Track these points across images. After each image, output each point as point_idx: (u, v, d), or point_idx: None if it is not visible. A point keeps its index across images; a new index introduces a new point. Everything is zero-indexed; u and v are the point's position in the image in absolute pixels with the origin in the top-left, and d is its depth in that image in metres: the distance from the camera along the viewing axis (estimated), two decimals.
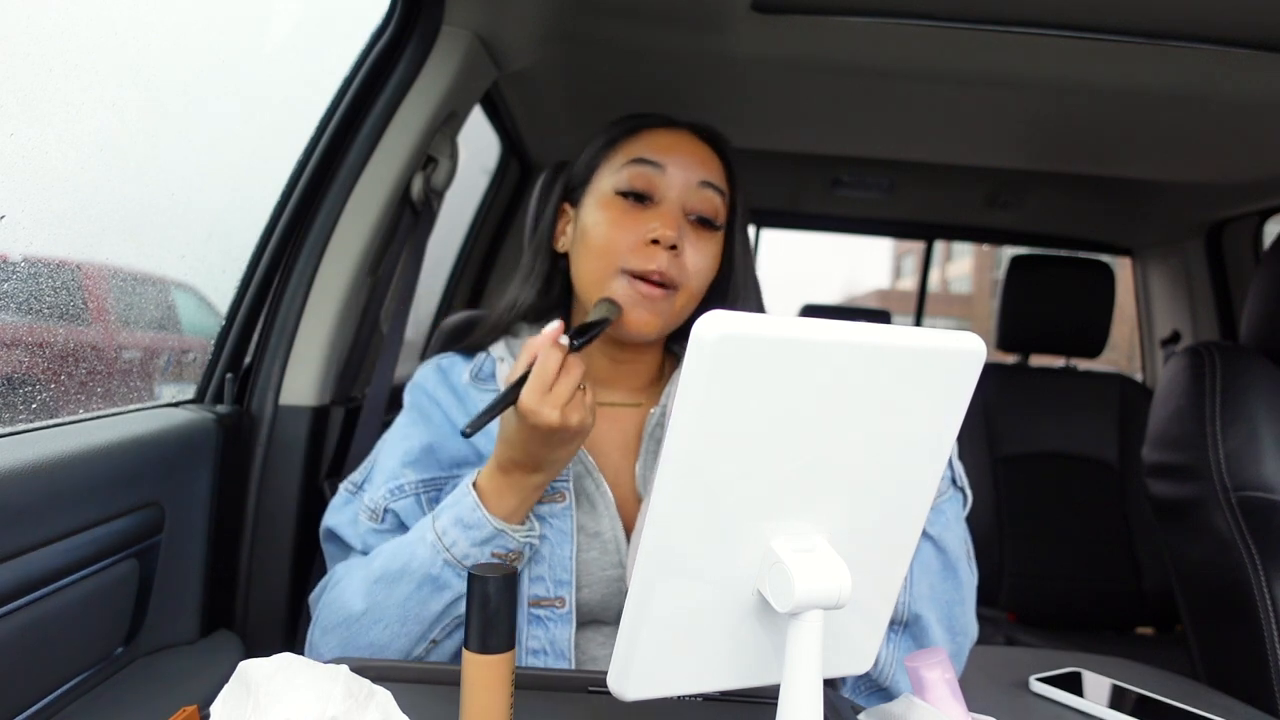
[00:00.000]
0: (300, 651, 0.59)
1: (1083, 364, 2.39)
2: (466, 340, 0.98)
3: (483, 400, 0.90)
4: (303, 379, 1.19)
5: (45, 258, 0.89)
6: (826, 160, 2.24)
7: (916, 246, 3.06)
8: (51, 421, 0.87)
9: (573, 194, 0.95)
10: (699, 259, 0.87)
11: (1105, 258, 2.57)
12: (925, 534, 0.82)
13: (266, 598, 1.16)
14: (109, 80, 0.95)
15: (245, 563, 1.15)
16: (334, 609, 0.79)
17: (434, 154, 1.30)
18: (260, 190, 1.20)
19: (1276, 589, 1.08)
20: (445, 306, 2.18)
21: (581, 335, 0.77)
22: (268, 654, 0.52)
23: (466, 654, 0.54)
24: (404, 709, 0.52)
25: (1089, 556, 2.17)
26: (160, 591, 0.95)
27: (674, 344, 1.00)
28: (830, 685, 0.77)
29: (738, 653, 0.53)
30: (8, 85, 0.81)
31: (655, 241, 0.84)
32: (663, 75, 1.54)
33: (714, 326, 0.44)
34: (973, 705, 0.62)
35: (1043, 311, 2.29)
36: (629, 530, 0.86)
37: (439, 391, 0.92)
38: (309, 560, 1.19)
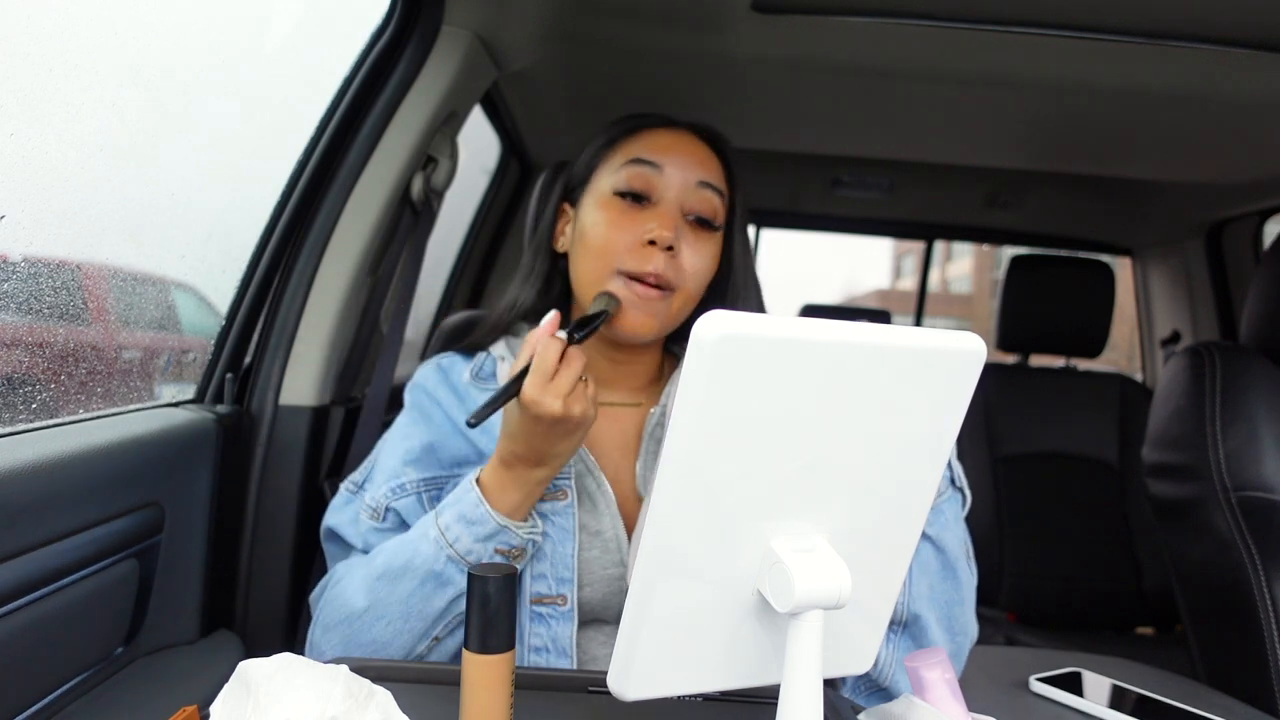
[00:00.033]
0: (300, 651, 0.59)
1: (1083, 364, 2.39)
2: (467, 340, 0.98)
3: (484, 399, 0.90)
4: (303, 379, 1.19)
5: (45, 258, 0.89)
6: (826, 160, 2.24)
7: (916, 246, 3.06)
8: (51, 421, 0.87)
9: (572, 194, 0.95)
10: (696, 260, 0.87)
11: (1105, 258, 2.57)
12: (924, 534, 0.82)
13: (266, 598, 1.16)
14: (109, 80, 0.95)
15: (245, 563, 1.15)
16: (336, 606, 0.79)
17: (434, 154, 1.30)
18: (260, 190, 1.20)
19: (1276, 589, 1.08)
20: (445, 306, 2.18)
21: (582, 328, 0.77)
22: (268, 654, 0.52)
23: (466, 654, 0.54)
24: (404, 709, 0.52)
25: (1089, 556, 2.17)
26: (160, 591, 0.95)
27: (673, 344, 1.00)
28: (830, 685, 0.77)
29: (738, 653, 0.53)
30: (8, 85, 0.81)
31: (652, 243, 0.84)
32: (663, 75, 1.54)
33: (714, 326, 0.44)
34: (973, 705, 0.62)
35: (1043, 311, 2.29)
36: (630, 529, 0.86)
37: (439, 391, 0.92)
38: (309, 560, 1.19)
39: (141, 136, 1.04)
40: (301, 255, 1.20)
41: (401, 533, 0.83)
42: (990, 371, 2.14)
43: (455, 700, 0.55)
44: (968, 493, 0.88)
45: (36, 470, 0.74)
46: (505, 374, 0.91)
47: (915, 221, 2.84)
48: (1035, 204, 2.45)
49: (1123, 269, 2.60)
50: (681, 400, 0.45)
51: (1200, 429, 1.17)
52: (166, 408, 1.06)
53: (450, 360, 0.95)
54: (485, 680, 0.53)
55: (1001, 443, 2.24)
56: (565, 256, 0.94)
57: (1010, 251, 2.61)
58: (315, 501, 1.18)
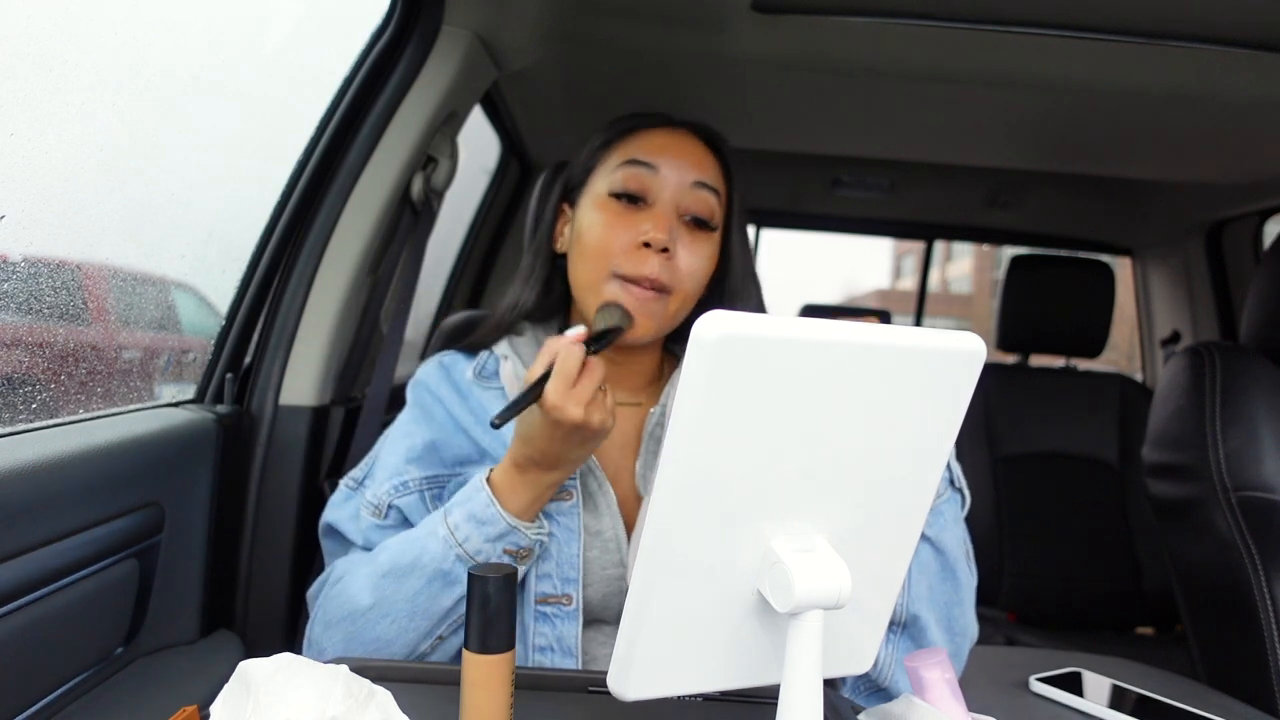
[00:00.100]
0: (300, 651, 0.59)
1: (1083, 364, 2.39)
2: (468, 339, 0.98)
3: (486, 397, 0.90)
4: (303, 379, 1.19)
5: (45, 258, 0.89)
6: (826, 160, 2.24)
7: (916, 246, 3.06)
8: (51, 421, 0.87)
9: (571, 195, 0.95)
10: (693, 260, 0.87)
11: (1105, 258, 2.57)
12: (924, 535, 0.82)
13: (266, 598, 1.16)
14: (109, 80, 0.95)
15: (245, 563, 1.15)
16: (338, 603, 0.79)
17: (434, 154, 1.30)
18: (260, 190, 1.20)
19: (1276, 589, 1.08)
20: (445, 306, 2.18)
21: (595, 342, 0.77)
22: (268, 654, 0.52)
23: (466, 654, 0.54)
24: (404, 709, 0.52)
25: (1089, 556, 2.17)
26: (160, 591, 0.95)
27: (673, 344, 1.00)
28: (830, 685, 0.77)
29: (738, 653, 0.53)
30: (8, 85, 0.81)
31: (647, 245, 0.84)
32: (663, 75, 1.54)
33: (714, 326, 0.44)
34: (973, 705, 0.62)
35: (1043, 311, 2.29)
36: (629, 529, 0.86)
37: (442, 389, 0.92)
38: (309, 560, 1.19)
39: (141, 136, 1.04)
40: (301, 255, 1.20)
41: (402, 530, 0.83)
42: (990, 371, 2.15)
43: (455, 700, 0.55)
44: (967, 493, 0.88)
45: (36, 470, 0.74)
46: (508, 373, 0.91)
47: (915, 221, 2.84)
48: (1035, 204, 2.44)
49: (1123, 269, 2.60)
50: (681, 400, 0.45)
51: (1200, 429, 1.17)
52: (166, 408, 1.06)
53: (452, 359, 0.95)
54: (485, 680, 0.53)
55: (1001, 443, 2.24)
56: (565, 257, 0.94)
57: (1010, 251, 2.61)
58: (315, 501, 1.18)
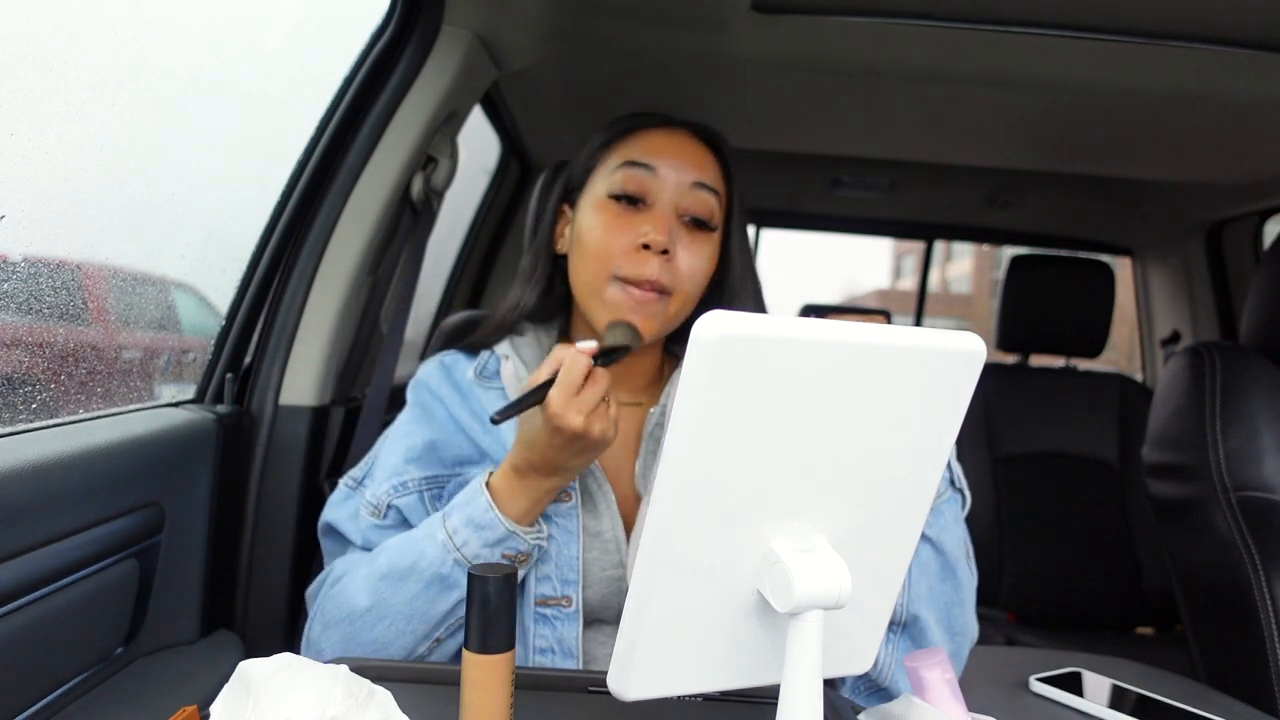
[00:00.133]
0: (300, 651, 0.59)
1: (1083, 364, 2.39)
2: (469, 339, 0.98)
3: (487, 397, 0.90)
4: (303, 379, 1.19)
5: (45, 258, 0.89)
6: (826, 160, 2.24)
7: (916, 246, 3.06)
8: (51, 421, 0.87)
9: (571, 195, 0.95)
10: (693, 261, 0.87)
11: (1105, 258, 2.57)
12: (924, 535, 0.82)
13: (266, 598, 1.16)
14: (109, 80, 0.95)
15: (245, 563, 1.15)
16: (337, 604, 0.79)
17: (434, 154, 1.30)
18: (260, 190, 1.20)
19: (1276, 589, 1.08)
20: (445, 306, 2.18)
21: (602, 357, 0.77)
22: (268, 654, 0.52)
23: (466, 654, 0.54)
24: (404, 709, 0.52)
25: (1089, 556, 2.17)
26: (160, 591, 0.95)
27: (674, 344, 1.00)
28: (830, 685, 0.77)
29: (738, 653, 0.53)
30: (8, 85, 0.81)
31: (646, 247, 0.84)
32: (663, 75, 1.54)
33: (714, 326, 0.44)
34: (973, 705, 0.62)
35: (1043, 311, 2.29)
36: (629, 529, 0.86)
37: (443, 389, 0.92)
38: (309, 560, 1.19)
39: (141, 136, 1.04)
40: (301, 255, 1.20)
41: (401, 530, 0.83)
42: (990, 371, 2.14)
43: (455, 700, 0.55)
44: (967, 493, 0.88)
45: (36, 470, 0.74)
46: (509, 372, 0.91)
47: (915, 221, 2.84)
48: (1035, 204, 2.44)
49: (1123, 269, 2.60)
50: (681, 400, 0.45)
51: (1200, 429, 1.17)
52: (166, 408, 1.06)
53: (453, 358, 0.95)
54: (485, 680, 0.53)
55: (1001, 443, 2.24)
56: (566, 258, 0.94)
57: (1010, 251, 2.61)
58: (315, 501, 1.18)
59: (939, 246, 3.38)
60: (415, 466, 0.86)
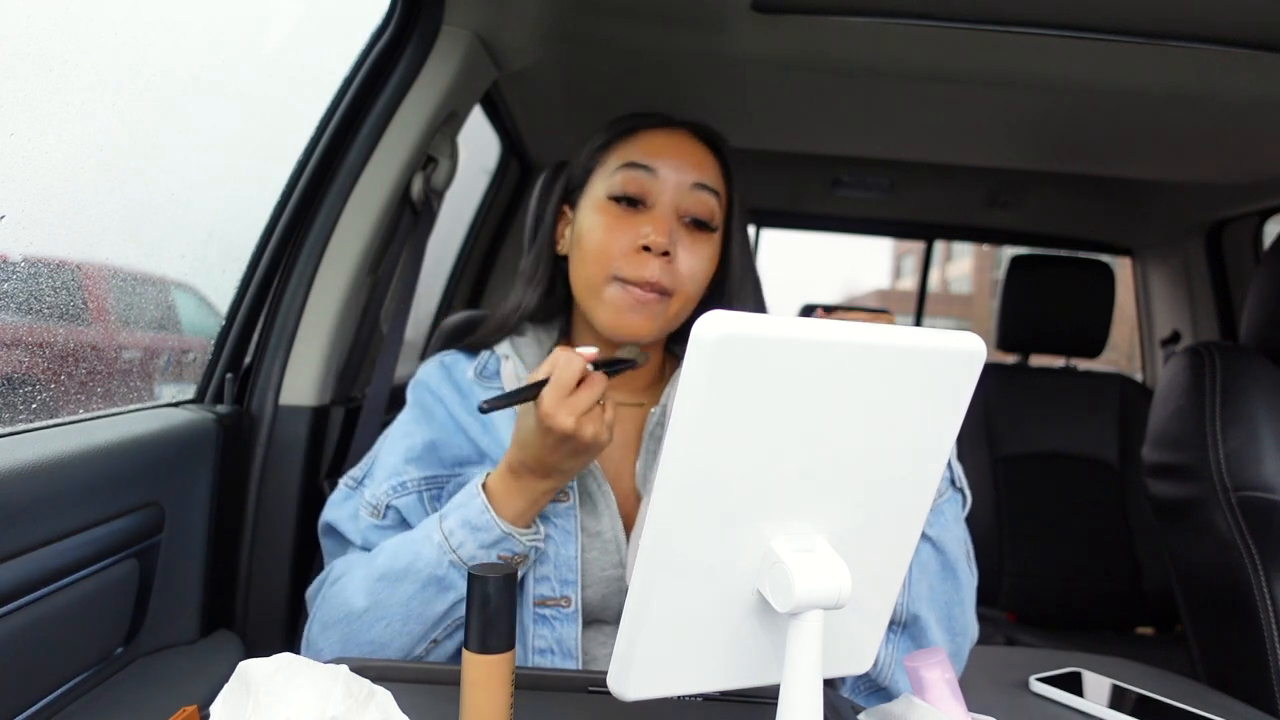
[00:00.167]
0: (300, 651, 0.59)
1: (1083, 364, 2.39)
2: (469, 339, 0.98)
3: (488, 396, 0.90)
4: (303, 379, 1.19)
5: (45, 258, 0.89)
6: (826, 160, 2.24)
7: (916, 246, 3.06)
8: (51, 421, 0.87)
9: (571, 196, 0.95)
10: (693, 262, 0.87)
11: (1105, 258, 2.57)
12: (924, 535, 0.82)
13: (266, 598, 1.16)
14: (109, 80, 0.95)
15: (245, 563, 1.15)
16: (335, 605, 0.79)
17: (434, 154, 1.30)
18: (260, 190, 1.20)
19: (1276, 589, 1.08)
20: (445, 306, 2.18)
21: (603, 366, 0.78)
22: (268, 654, 0.52)
23: (466, 654, 0.54)
24: (404, 709, 0.52)
25: (1089, 556, 2.17)
26: (160, 591, 0.95)
27: (675, 344, 1.00)
28: (830, 685, 0.77)
29: (738, 653, 0.53)
30: (8, 85, 0.81)
31: (647, 248, 0.84)
32: (663, 75, 1.54)
33: (714, 326, 0.44)
34: (973, 705, 0.62)
35: (1043, 311, 2.29)
36: (629, 529, 0.86)
37: (443, 388, 0.92)
38: (309, 560, 1.19)
39: (141, 136, 1.04)
40: (301, 255, 1.20)
41: (401, 530, 0.83)
42: (990, 371, 2.14)
43: (455, 700, 0.55)
44: (968, 493, 0.88)
45: (36, 470, 0.74)
46: (509, 372, 0.91)
47: (915, 221, 2.84)
48: (1035, 204, 2.44)
49: (1123, 269, 2.60)
50: (681, 400, 0.45)
51: (1200, 429, 1.17)
52: (166, 408, 1.06)
53: (454, 358, 0.95)
54: (485, 680, 0.53)
55: (1001, 443, 2.24)
56: (567, 259, 0.94)
57: (1010, 251, 2.61)
58: (315, 501, 1.18)
59: (939, 246, 3.38)
60: (415, 467, 0.86)
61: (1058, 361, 2.41)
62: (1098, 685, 0.89)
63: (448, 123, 1.30)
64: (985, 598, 2.00)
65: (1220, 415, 1.15)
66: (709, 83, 1.56)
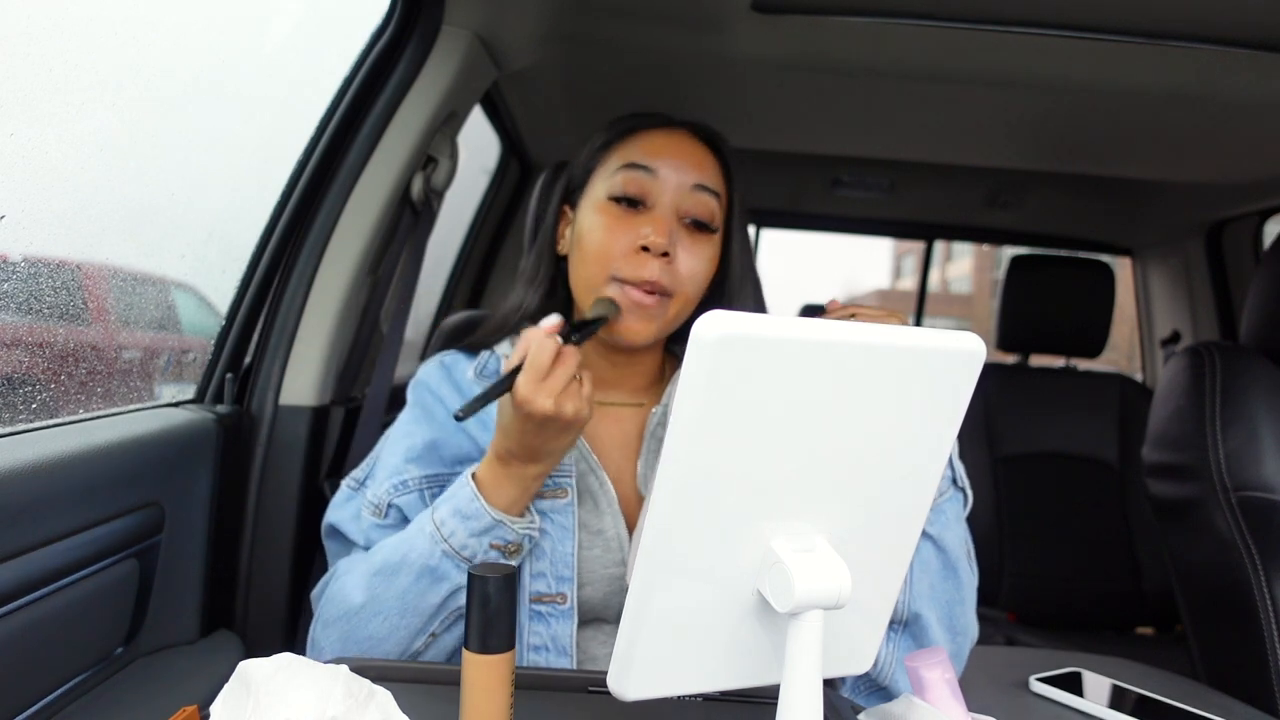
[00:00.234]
0: (300, 651, 0.59)
1: (1083, 364, 2.39)
2: (469, 339, 0.98)
3: None
4: (303, 379, 1.19)
5: (45, 258, 0.89)
6: (826, 160, 2.24)
7: (916, 246, 3.06)
8: (51, 421, 0.87)
9: (572, 196, 0.95)
10: (693, 263, 0.87)
11: (1105, 258, 2.57)
12: (925, 534, 0.82)
13: (266, 598, 1.16)
14: (109, 80, 0.95)
15: (245, 563, 1.15)
16: (335, 603, 0.79)
17: (434, 154, 1.30)
18: (260, 190, 1.20)
19: (1276, 589, 1.08)
20: (445, 306, 2.18)
21: (578, 331, 0.77)
22: (268, 654, 0.52)
23: (466, 654, 0.54)
24: (404, 709, 0.52)
25: (1089, 556, 2.17)
26: (160, 591, 0.95)
27: (675, 344, 1.00)
28: (830, 685, 0.77)
29: (738, 653, 0.53)
30: (8, 85, 0.81)
31: (646, 249, 0.84)
32: (662, 75, 1.54)
33: (713, 327, 0.44)
34: (973, 705, 0.62)
35: (1043, 311, 2.29)
36: (631, 529, 0.86)
37: (443, 388, 0.92)
38: (309, 560, 1.19)
39: (141, 136, 1.04)
40: (301, 255, 1.20)
41: (403, 529, 0.83)
42: (990, 371, 2.15)
43: (455, 700, 0.55)
44: (969, 492, 0.88)
45: (36, 470, 0.74)
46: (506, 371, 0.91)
47: (915, 221, 2.84)
48: (1035, 204, 2.45)
49: (1123, 269, 2.60)
50: (681, 400, 0.45)
51: (1200, 429, 1.17)
52: (166, 408, 1.06)
53: (454, 358, 0.95)
54: (485, 680, 0.53)
55: (1001, 443, 2.24)
56: (567, 259, 0.94)
57: (1010, 251, 2.61)
58: (315, 501, 1.18)
59: (939, 246, 3.38)
60: (416, 465, 0.86)
61: (1058, 361, 2.41)
62: (1098, 685, 0.89)
63: (448, 123, 1.30)
64: (985, 598, 1.99)
65: (1220, 415, 1.15)
66: (709, 83, 1.56)
